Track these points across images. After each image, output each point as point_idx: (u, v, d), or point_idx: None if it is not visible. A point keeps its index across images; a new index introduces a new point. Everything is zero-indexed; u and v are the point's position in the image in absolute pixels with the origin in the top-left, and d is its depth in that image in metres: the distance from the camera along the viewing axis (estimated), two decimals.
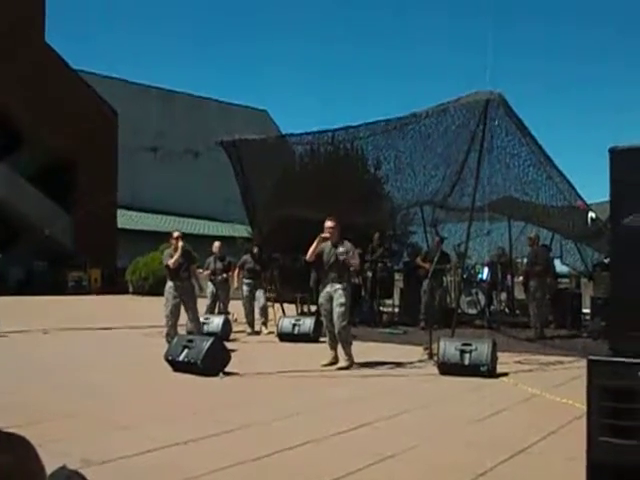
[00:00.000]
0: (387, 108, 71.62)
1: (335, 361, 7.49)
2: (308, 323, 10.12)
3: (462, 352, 6.88)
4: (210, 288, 11.59)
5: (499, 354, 7.21)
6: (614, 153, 3.13)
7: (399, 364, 7.69)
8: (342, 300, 7.35)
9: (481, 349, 6.88)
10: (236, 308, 12.13)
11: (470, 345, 6.92)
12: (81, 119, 25.61)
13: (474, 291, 13.60)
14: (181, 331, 8.89)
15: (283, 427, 4.59)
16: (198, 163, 36.02)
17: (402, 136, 10.75)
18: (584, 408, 2.93)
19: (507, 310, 14.24)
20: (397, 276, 14.98)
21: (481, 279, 13.95)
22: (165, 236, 11.41)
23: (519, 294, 14.15)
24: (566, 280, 14.32)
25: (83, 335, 10.57)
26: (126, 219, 30.90)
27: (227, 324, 10.26)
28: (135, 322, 12.11)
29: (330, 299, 7.43)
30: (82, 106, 26.26)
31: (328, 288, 7.49)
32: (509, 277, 14.10)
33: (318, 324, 9.70)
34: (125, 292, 24.08)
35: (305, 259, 7.92)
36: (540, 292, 10.97)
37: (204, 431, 4.31)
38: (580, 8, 72.36)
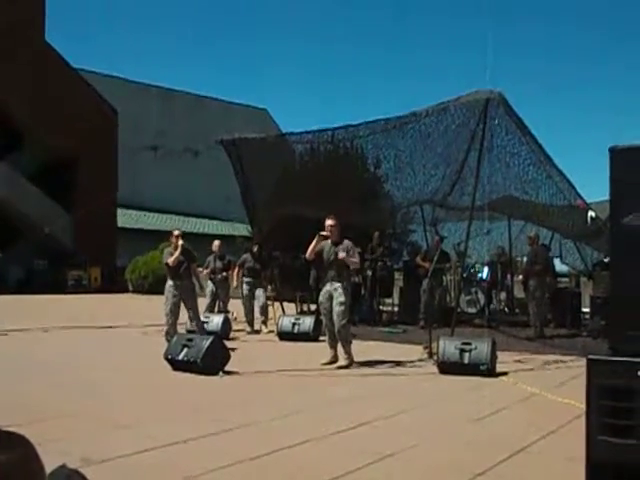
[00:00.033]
0: (387, 107, 71.64)
1: (335, 360, 7.50)
2: (308, 322, 10.12)
3: (462, 351, 6.88)
4: (210, 287, 11.58)
5: (499, 353, 7.21)
6: (614, 152, 3.13)
7: (399, 363, 7.70)
8: (342, 299, 7.35)
9: (481, 348, 6.88)
10: (236, 307, 12.14)
11: (470, 344, 6.93)
12: (81, 118, 25.58)
13: (474, 290, 13.60)
14: (180, 330, 8.90)
15: (283, 426, 4.60)
16: (198, 162, 36.01)
17: (402, 135, 10.74)
18: (584, 407, 2.93)
19: (507, 309, 14.24)
20: (397, 275, 14.98)
21: (481, 278, 13.95)
22: (165, 235, 11.41)
23: (519, 293, 14.15)
24: (566, 279, 14.30)
25: (83, 334, 10.57)
26: (126, 218, 30.89)
27: (227, 323, 10.26)
28: (135, 321, 12.11)
29: (330, 298, 7.43)
30: (82, 105, 26.23)
31: (328, 287, 7.50)
32: (509, 276, 14.10)
33: (318, 323, 9.70)
34: (125, 291, 24.09)
35: (305, 257, 7.93)
36: (540, 291, 10.97)
37: (204, 430, 4.32)
38: (580, 9, 72.37)
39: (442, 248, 11.42)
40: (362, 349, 8.11)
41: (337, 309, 7.35)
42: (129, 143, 31.16)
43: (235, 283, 11.78)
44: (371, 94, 75.45)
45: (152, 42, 67.58)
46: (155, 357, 7.17)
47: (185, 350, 6.77)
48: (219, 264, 11.62)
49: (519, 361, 7.99)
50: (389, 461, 3.76)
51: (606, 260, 11.21)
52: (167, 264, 8.84)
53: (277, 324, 10.48)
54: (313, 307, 12.07)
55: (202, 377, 6.42)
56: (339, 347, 7.49)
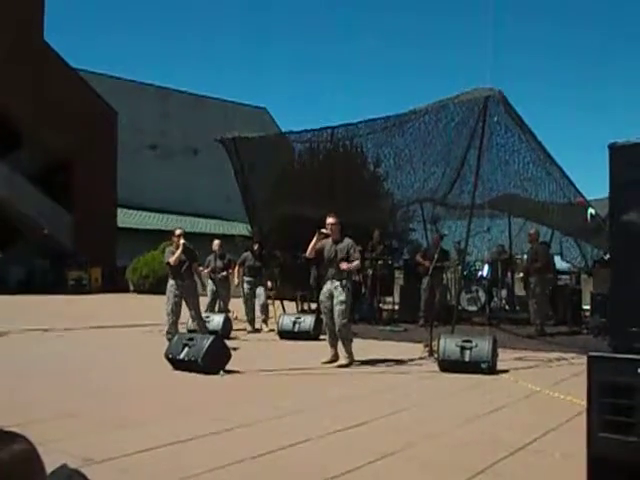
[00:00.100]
0: (387, 106, 71.50)
1: (335, 359, 7.50)
2: (308, 321, 10.12)
3: (462, 349, 6.89)
4: (210, 286, 11.59)
5: (499, 351, 7.21)
6: (614, 149, 3.12)
7: (399, 361, 7.70)
8: (342, 298, 7.36)
9: (481, 346, 6.88)
10: (236, 306, 12.14)
11: (470, 342, 6.93)
12: (80, 118, 25.60)
13: (474, 288, 13.61)
14: (181, 329, 8.90)
15: (283, 425, 4.60)
16: (198, 161, 36.01)
17: (402, 133, 10.75)
18: (584, 405, 2.93)
19: (507, 307, 14.25)
20: (397, 273, 14.99)
21: (481, 276, 13.96)
22: (165, 234, 11.43)
23: (519, 291, 14.15)
24: (566, 277, 14.30)
25: (84, 334, 10.57)
26: (126, 218, 30.89)
27: (227, 322, 10.26)
28: (135, 320, 12.11)
29: (330, 296, 7.44)
30: (81, 105, 26.23)
31: (328, 285, 7.50)
32: (509, 274, 14.10)
33: (318, 322, 9.71)
34: (126, 291, 24.11)
35: (305, 256, 7.94)
36: (540, 288, 10.98)
37: (204, 429, 4.32)
38: (580, 6, 72.32)
39: (442, 246, 11.43)
40: (363, 347, 8.11)
41: (338, 308, 7.35)
42: (129, 143, 31.16)
43: (236, 281, 11.78)
44: (371, 93, 75.49)
45: (151, 42, 67.61)
46: (156, 356, 7.17)
47: (186, 349, 6.77)
48: (219, 263, 11.63)
49: (520, 359, 8.00)
50: (390, 460, 3.76)
51: (606, 257, 11.22)
52: (168, 263, 8.85)
53: (278, 323, 10.48)
54: (314, 306, 12.07)
55: (203, 376, 6.42)
56: (339, 346, 7.50)
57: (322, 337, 8.98)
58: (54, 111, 24.77)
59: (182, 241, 8.80)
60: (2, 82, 23.07)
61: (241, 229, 22.73)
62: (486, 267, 13.81)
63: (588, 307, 12.27)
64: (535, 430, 4.41)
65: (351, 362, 7.41)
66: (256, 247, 11.85)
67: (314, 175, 13.10)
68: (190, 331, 8.71)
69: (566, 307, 12.39)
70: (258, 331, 11.21)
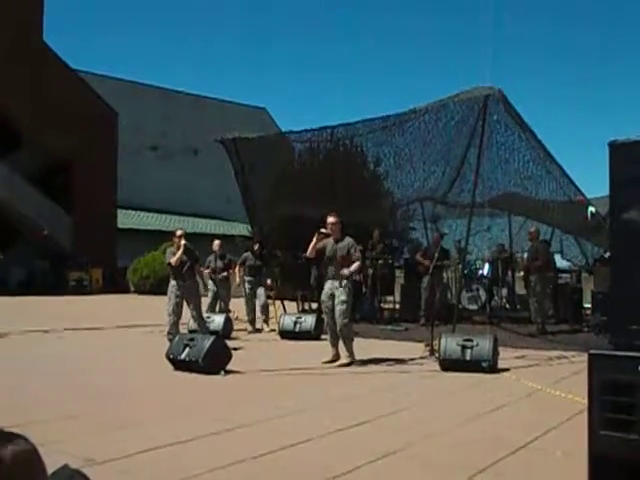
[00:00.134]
0: (386, 105, 71.46)
1: (336, 358, 7.50)
2: (309, 321, 10.12)
3: (463, 348, 6.89)
4: (211, 286, 11.59)
5: (500, 349, 7.22)
6: (613, 147, 3.12)
7: (400, 361, 7.69)
8: (343, 297, 7.36)
9: (482, 345, 6.89)
10: (237, 306, 12.14)
11: (471, 341, 6.93)
12: (80, 119, 25.60)
13: (475, 287, 13.61)
14: (182, 329, 8.90)
15: (284, 425, 4.60)
16: (198, 161, 36.01)
17: (402, 132, 10.75)
18: (586, 403, 2.92)
19: (508, 305, 14.24)
20: (398, 273, 14.99)
21: (482, 275, 13.96)
22: (165, 235, 11.44)
23: (520, 289, 14.15)
24: (567, 275, 14.30)
25: (84, 335, 10.58)
26: (126, 218, 30.90)
27: (228, 322, 10.26)
28: (136, 321, 12.12)
29: (332, 296, 7.44)
30: (81, 106, 26.23)
31: (329, 285, 7.51)
32: (510, 272, 14.10)
33: (319, 321, 9.71)
34: (126, 291, 24.11)
35: (306, 256, 7.94)
36: (540, 287, 10.97)
37: (205, 429, 4.32)
38: (579, 6, 72.31)
39: (442, 245, 11.43)
40: (363, 347, 8.11)
41: (339, 308, 7.35)
42: (129, 143, 31.18)
43: (238, 280, 11.76)
44: (371, 93, 75.46)
45: (151, 43, 67.62)
46: (157, 357, 7.17)
47: (187, 350, 6.77)
48: (220, 264, 11.62)
49: (521, 357, 8.00)
50: (391, 459, 3.76)
51: (607, 255, 11.21)
52: (169, 264, 8.85)
53: (278, 323, 10.48)
54: (314, 306, 12.07)
55: (204, 376, 6.42)
56: (341, 345, 7.50)
57: (323, 337, 8.98)
58: (54, 112, 24.77)
59: (183, 242, 8.80)
60: (1, 83, 23.08)
61: (242, 229, 22.72)
62: (486, 266, 13.81)
63: (589, 305, 12.27)
64: (536, 428, 4.41)
65: (352, 362, 7.41)
66: (256, 247, 11.85)
67: (314, 175, 13.11)
68: (191, 331, 8.71)
69: (567, 305, 12.40)
70: (259, 331, 11.22)
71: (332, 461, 3.68)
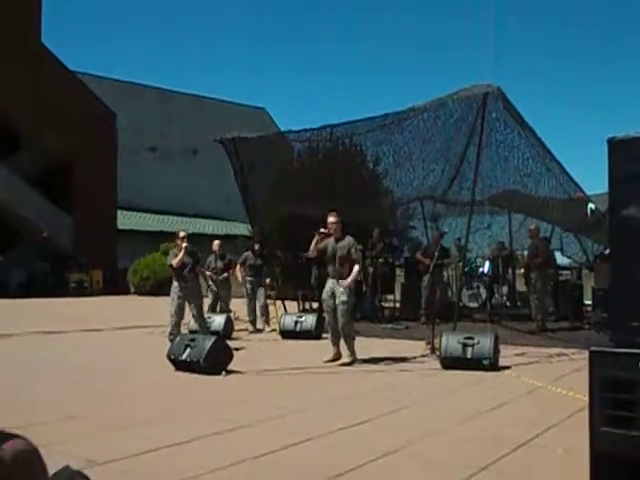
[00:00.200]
0: (386, 104, 71.47)
1: (337, 357, 7.51)
2: (310, 320, 10.13)
3: (464, 346, 6.89)
4: (211, 287, 11.58)
5: (501, 347, 7.22)
6: (612, 144, 3.12)
7: (401, 359, 7.70)
8: (344, 298, 7.36)
9: (483, 342, 6.89)
10: (237, 306, 12.14)
11: (472, 339, 6.93)
12: (79, 120, 25.60)
13: (475, 285, 13.60)
14: (183, 330, 8.90)
15: (285, 424, 4.60)
16: (198, 162, 36.02)
17: (401, 131, 10.75)
18: (587, 400, 2.92)
19: (508, 303, 14.25)
20: (398, 271, 14.99)
21: (482, 272, 13.96)
22: (166, 236, 11.45)
23: (520, 287, 14.16)
24: (567, 272, 14.30)
25: (85, 336, 10.58)
26: (126, 219, 30.91)
27: (229, 322, 10.26)
28: (137, 322, 12.12)
29: (333, 295, 7.45)
30: (80, 107, 26.25)
31: (330, 284, 7.52)
32: (510, 270, 14.10)
33: (320, 321, 9.72)
34: (127, 293, 24.12)
35: (307, 255, 7.95)
36: (541, 284, 10.98)
37: (206, 429, 4.32)
38: (579, 7, 72.31)
39: (442, 244, 11.44)
40: (364, 346, 8.11)
41: (340, 308, 7.36)
42: (128, 144, 31.18)
43: (240, 279, 11.74)
44: (370, 94, 75.45)
45: (150, 44, 67.59)
46: (158, 358, 7.17)
47: (188, 350, 6.77)
48: (220, 264, 11.62)
49: (521, 355, 8.00)
50: (392, 457, 3.76)
51: (607, 252, 11.21)
52: (171, 266, 8.86)
53: (279, 323, 10.48)
54: (315, 305, 12.07)
55: (205, 377, 6.42)
56: (342, 344, 7.50)
57: (324, 336, 8.98)
58: (52, 113, 24.77)
59: (184, 244, 8.80)
60: (0, 85, 23.07)
61: (242, 229, 22.73)
62: (487, 263, 13.81)
63: (589, 302, 12.27)
64: (537, 426, 4.41)
65: (353, 361, 7.41)
66: (257, 247, 11.84)
67: (313, 174, 13.11)
68: (192, 332, 8.71)
69: (567, 302, 12.40)
70: (260, 331, 11.22)
71: (333, 460, 3.68)
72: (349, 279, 7.39)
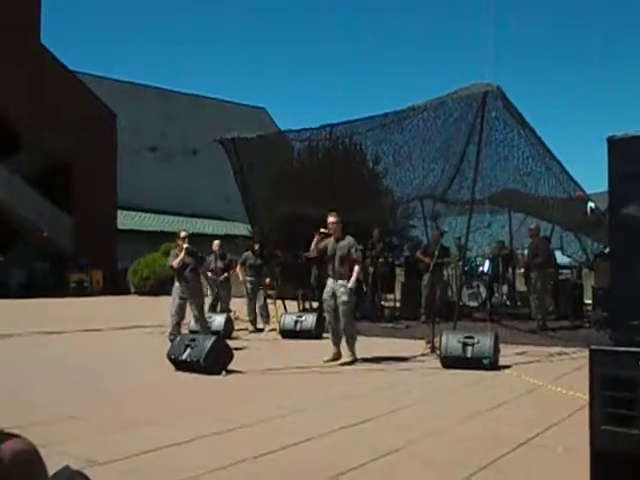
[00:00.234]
0: (385, 104, 71.47)
1: (338, 357, 7.51)
2: (310, 319, 10.13)
3: (464, 345, 6.89)
4: (211, 286, 11.58)
5: (501, 346, 7.22)
6: (612, 142, 3.12)
7: (401, 358, 7.70)
8: (345, 298, 7.37)
9: (483, 342, 6.89)
10: (237, 306, 12.14)
11: (472, 338, 6.93)
12: (79, 120, 25.60)
13: (475, 284, 13.60)
14: (183, 330, 8.90)
15: (286, 424, 4.60)
16: (198, 162, 36.02)
17: (400, 130, 10.75)
18: (587, 399, 2.92)
19: (509, 302, 14.25)
20: (398, 271, 14.98)
21: (482, 272, 13.96)
22: (165, 236, 11.44)
23: (520, 286, 14.16)
24: (567, 271, 14.30)
25: (86, 336, 10.58)
26: (126, 219, 30.91)
27: (229, 322, 10.26)
28: (137, 322, 12.12)
29: (334, 295, 7.45)
30: (80, 107, 26.23)
31: (331, 284, 7.52)
32: (510, 269, 14.09)
33: (320, 320, 9.72)
34: (127, 293, 24.11)
35: (306, 255, 7.96)
36: (541, 283, 10.98)
37: (207, 429, 4.32)
38: (579, 7, 72.32)
39: (442, 243, 11.44)
40: (365, 345, 8.11)
41: (342, 308, 7.38)
42: (128, 145, 31.17)
43: (241, 278, 11.73)
44: (370, 94, 75.39)
45: (149, 44, 67.57)
46: (158, 358, 7.17)
47: (188, 350, 6.77)
48: (220, 264, 11.61)
49: (522, 354, 8.00)
50: (393, 457, 3.76)
51: (607, 251, 11.21)
52: (172, 266, 8.85)
53: (279, 322, 10.48)
54: (315, 305, 12.07)
55: (205, 377, 6.42)
56: (342, 344, 7.50)
57: (324, 336, 8.98)
58: (52, 114, 24.76)
59: (185, 245, 8.80)
60: (0, 85, 23.07)
61: (242, 229, 22.72)
62: (487, 263, 13.81)
63: (590, 301, 12.27)
64: (537, 425, 4.41)
65: (354, 360, 7.42)
66: (257, 246, 11.84)
67: (313, 174, 13.10)
68: (192, 332, 8.71)
69: (567, 301, 12.41)
70: (260, 331, 11.22)
71: (334, 459, 3.68)
72: (352, 281, 7.39)
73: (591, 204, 10.94)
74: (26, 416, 4.54)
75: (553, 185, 11.19)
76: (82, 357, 8.27)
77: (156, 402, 5.46)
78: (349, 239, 7.54)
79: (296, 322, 10.14)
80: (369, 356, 7.68)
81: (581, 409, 4.25)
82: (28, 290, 21.97)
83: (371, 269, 12.80)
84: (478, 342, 6.88)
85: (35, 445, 1.27)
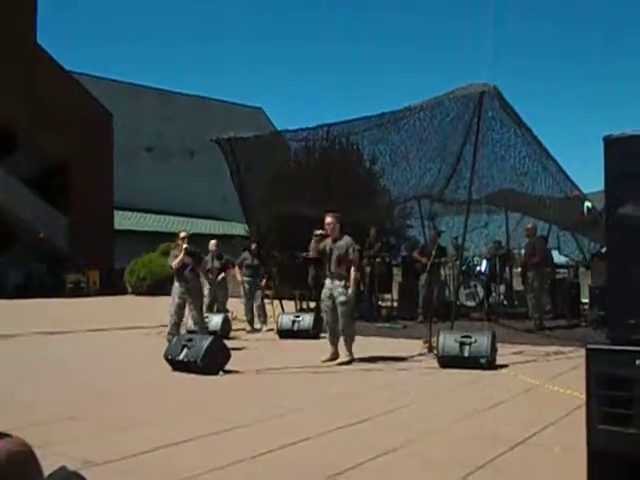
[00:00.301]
0: (382, 104, 71.48)
1: (335, 357, 7.51)
2: (307, 319, 10.12)
3: (462, 344, 6.90)
4: (207, 286, 11.55)
5: (498, 345, 7.22)
6: (608, 142, 3.12)
7: (399, 358, 7.70)
8: (343, 299, 7.37)
9: (480, 341, 6.90)
10: (235, 306, 12.13)
11: (469, 337, 6.94)
12: (75, 121, 25.55)
13: (473, 283, 13.62)
14: (181, 330, 8.90)
15: (284, 424, 4.60)
16: (194, 162, 36.00)
17: (397, 130, 10.74)
18: (583, 398, 2.93)
19: (506, 302, 14.26)
20: (395, 270, 14.99)
21: (479, 271, 13.97)
22: (162, 236, 11.43)
23: (517, 286, 14.18)
24: (564, 270, 14.32)
25: (83, 336, 10.56)
26: (123, 220, 30.86)
27: (227, 322, 10.26)
28: (134, 322, 12.10)
29: (331, 296, 7.46)
30: (76, 107, 26.17)
31: (328, 284, 7.52)
32: (507, 269, 14.11)
33: (317, 320, 9.71)
34: (124, 293, 24.08)
35: (302, 257, 7.96)
36: (538, 282, 10.99)
37: (204, 430, 4.31)
38: (578, 7, 72.45)
39: (439, 243, 11.44)
40: (362, 345, 8.10)
41: (341, 309, 7.39)
42: (125, 145, 31.13)
43: (239, 278, 11.71)
44: (368, 94, 75.36)
45: (147, 44, 67.50)
46: (155, 358, 7.17)
47: (185, 350, 6.77)
48: (217, 264, 11.58)
49: (519, 353, 8.01)
50: (390, 456, 3.76)
51: (603, 250, 11.23)
52: (171, 267, 8.84)
53: (277, 322, 10.48)
54: (312, 305, 12.07)
55: (202, 377, 6.42)
56: (340, 344, 7.50)
57: (322, 335, 8.98)
58: (48, 113, 24.71)
59: (185, 245, 8.78)
60: None
61: (239, 229, 22.72)
62: (484, 262, 13.82)
63: (586, 300, 12.29)
64: (534, 424, 4.42)
65: (351, 360, 7.41)
66: (254, 247, 11.83)
67: (310, 173, 13.10)
68: (189, 332, 8.70)
69: (564, 301, 12.42)
70: (257, 331, 11.21)
71: (332, 459, 3.68)
72: (351, 285, 7.39)
73: (588, 204, 10.95)
74: (25, 416, 4.54)
75: (550, 185, 11.20)
76: (80, 357, 8.26)
77: (154, 402, 5.46)
78: (347, 239, 7.54)
79: (293, 322, 10.14)
80: (366, 356, 7.68)
81: (578, 408, 4.26)
82: (25, 291, 21.92)
83: (368, 269, 12.80)
84: (475, 342, 6.89)
85: (30, 445, 1.26)
